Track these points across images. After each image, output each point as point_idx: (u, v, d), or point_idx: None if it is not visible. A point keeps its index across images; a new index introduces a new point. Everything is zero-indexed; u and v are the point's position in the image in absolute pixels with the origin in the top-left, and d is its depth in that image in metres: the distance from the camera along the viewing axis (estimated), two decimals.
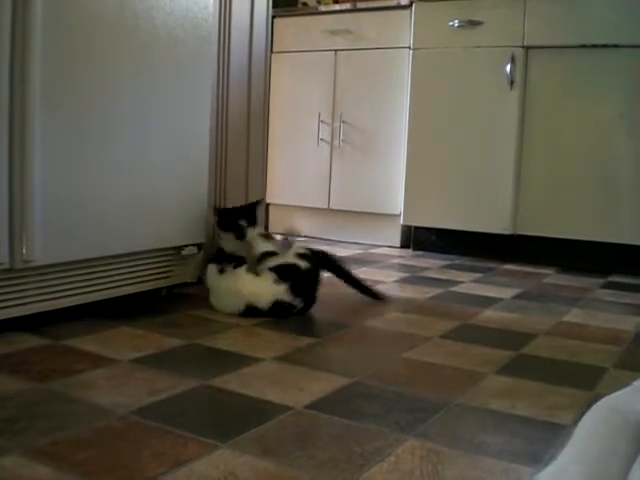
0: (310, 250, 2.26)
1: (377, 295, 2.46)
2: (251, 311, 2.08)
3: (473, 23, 3.42)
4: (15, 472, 1.05)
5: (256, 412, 1.36)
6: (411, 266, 3.23)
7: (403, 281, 2.84)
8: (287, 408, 1.38)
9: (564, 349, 1.92)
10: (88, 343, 1.75)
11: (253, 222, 2.30)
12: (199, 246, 2.34)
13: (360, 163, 3.84)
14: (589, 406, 1.10)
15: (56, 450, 1.14)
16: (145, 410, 1.33)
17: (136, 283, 2.15)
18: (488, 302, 2.48)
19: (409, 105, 3.63)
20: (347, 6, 3.88)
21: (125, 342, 1.78)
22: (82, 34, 1.84)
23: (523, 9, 3.30)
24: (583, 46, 3.19)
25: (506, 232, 3.42)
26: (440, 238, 3.69)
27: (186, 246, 2.29)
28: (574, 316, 2.32)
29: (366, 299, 2.44)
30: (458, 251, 3.64)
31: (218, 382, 1.51)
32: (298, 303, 2.12)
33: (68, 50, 1.81)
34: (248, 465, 1.12)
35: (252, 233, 2.27)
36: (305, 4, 4.40)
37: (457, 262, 3.40)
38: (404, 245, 3.82)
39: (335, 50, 3.88)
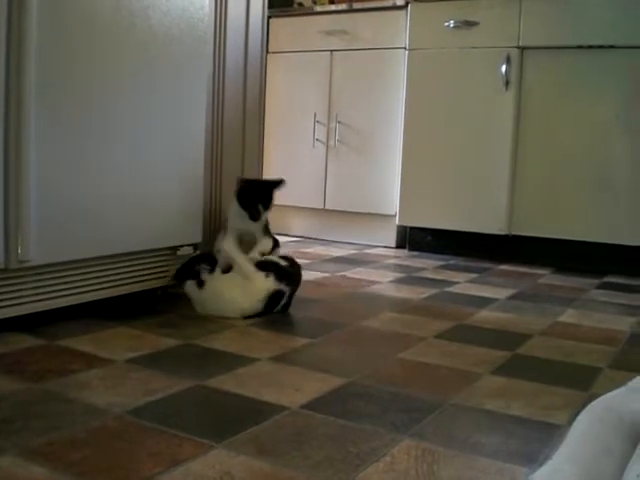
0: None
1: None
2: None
3: (469, 24, 3.42)
4: (10, 472, 1.05)
5: (252, 412, 1.36)
6: (406, 266, 3.23)
7: (398, 281, 2.84)
8: (283, 408, 1.38)
9: (559, 349, 1.92)
10: (84, 343, 1.75)
11: (268, 206, 2.29)
12: (195, 246, 2.34)
13: (356, 163, 3.85)
14: (584, 406, 1.10)
15: (51, 450, 1.14)
16: (141, 410, 1.33)
17: (132, 283, 2.15)
18: (483, 302, 2.48)
19: (405, 105, 3.63)
20: (343, 6, 3.88)
21: (121, 342, 1.78)
22: (78, 33, 1.84)
23: (519, 10, 3.30)
24: (579, 47, 3.20)
25: (501, 232, 3.42)
26: (435, 238, 3.70)
27: (182, 246, 2.29)
28: (569, 316, 2.33)
29: (363, 299, 2.44)
30: (453, 251, 3.64)
31: (214, 382, 1.51)
32: (284, 287, 2.14)
33: (64, 49, 1.81)
34: (244, 465, 1.12)
35: (265, 216, 2.28)
36: (301, 4, 4.40)
37: (452, 262, 3.41)
38: (399, 245, 3.83)
39: (331, 50, 3.88)
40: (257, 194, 2.27)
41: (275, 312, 2.15)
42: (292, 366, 1.66)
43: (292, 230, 4.07)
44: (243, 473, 1.09)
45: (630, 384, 1.17)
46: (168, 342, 1.81)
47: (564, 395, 1.54)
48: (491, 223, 3.44)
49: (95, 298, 2.02)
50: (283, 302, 2.16)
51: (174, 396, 1.42)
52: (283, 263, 2.22)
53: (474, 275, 3.06)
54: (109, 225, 1.99)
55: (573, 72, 3.24)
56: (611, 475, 0.90)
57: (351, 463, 1.15)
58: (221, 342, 1.84)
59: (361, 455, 1.18)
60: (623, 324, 2.25)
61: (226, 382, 1.52)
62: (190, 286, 2.11)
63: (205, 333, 1.91)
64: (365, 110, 3.81)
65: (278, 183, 2.31)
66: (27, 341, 1.74)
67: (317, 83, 3.93)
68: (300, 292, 2.28)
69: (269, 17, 3.75)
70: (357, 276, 2.89)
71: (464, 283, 2.86)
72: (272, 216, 2.47)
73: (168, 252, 2.26)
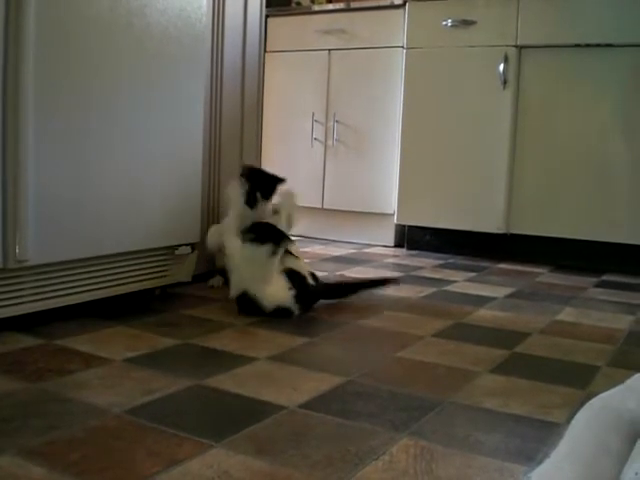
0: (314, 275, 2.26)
1: (387, 280, 2.54)
2: (251, 305, 2.09)
3: (466, 22, 3.42)
4: (9, 472, 1.05)
5: (250, 411, 1.36)
6: (405, 265, 3.23)
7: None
8: (281, 407, 1.38)
9: (557, 348, 1.92)
10: (82, 343, 1.75)
11: (268, 197, 2.30)
12: (192, 246, 2.34)
13: (354, 162, 3.85)
14: (582, 404, 1.10)
15: (50, 450, 1.14)
16: (139, 410, 1.33)
17: (130, 283, 2.15)
18: (482, 301, 2.49)
19: (402, 104, 3.63)
20: (341, 5, 3.88)
21: (119, 342, 1.78)
22: (75, 32, 1.84)
23: (516, 8, 3.30)
24: (577, 45, 3.20)
25: (500, 231, 3.43)
26: (434, 237, 3.70)
27: (180, 246, 2.29)
28: (567, 315, 2.33)
29: (361, 298, 2.44)
30: (452, 250, 3.64)
31: (212, 382, 1.51)
32: (296, 310, 2.13)
33: (61, 48, 1.80)
34: (242, 464, 1.12)
35: (262, 207, 2.28)
36: (299, 4, 4.40)
37: (451, 261, 3.41)
38: (398, 244, 3.83)
39: (329, 50, 3.88)
40: (258, 182, 2.28)
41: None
42: (290, 365, 1.66)
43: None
44: (242, 472, 1.09)
45: (628, 382, 1.17)
46: (166, 341, 1.81)
47: (562, 393, 1.54)
48: (489, 222, 3.44)
49: (93, 298, 2.02)
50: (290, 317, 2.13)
51: (173, 395, 1.42)
52: (311, 282, 2.20)
53: (472, 274, 3.06)
54: (107, 225, 1.99)
55: (571, 71, 3.24)
56: (609, 473, 0.90)
57: (350, 462, 1.15)
58: (219, 341, 1.84)
59: (360, 454, 1.18)
60: (621, 322, 2.25)
61: (225, 381, 1.52)
62: (248, 242, 2.10)
63: (203, 332, 1.91)
64: (363, 109, 3.81)
65: (281, 179, 2.34)
66: (25, 341, 1.74)
67: (315, 82, 3.93)
68: None
69: (267, 16, 3.75)
70: (356, 275, 2.89)
71: (462, 282, 2.86)
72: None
73: (166, 252, 2.26)
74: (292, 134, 4.02)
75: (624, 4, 3.10)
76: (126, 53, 2.00)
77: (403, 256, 3.52)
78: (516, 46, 3.32)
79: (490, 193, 3.43)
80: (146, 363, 1.62)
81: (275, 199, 2.35)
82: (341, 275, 2.84)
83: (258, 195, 2.27)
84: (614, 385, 1.16)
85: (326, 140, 3.91)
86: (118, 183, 2.01)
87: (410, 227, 3.75)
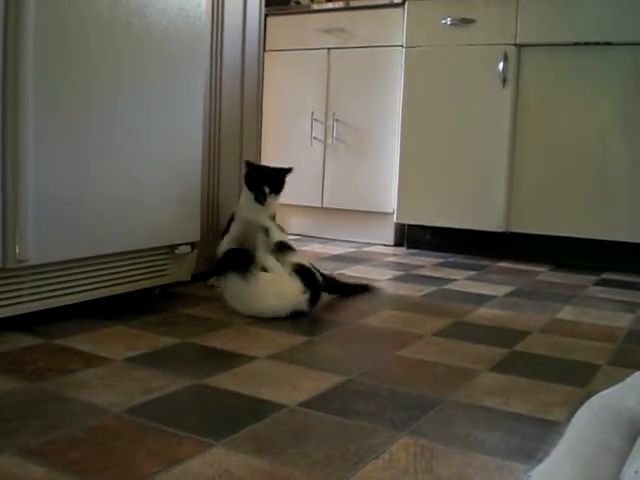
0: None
1: (364, 287, 2.51)
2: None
3: (466, 21, 3.42)
4: (9, 471, 1.05)
5: (250, 410, 1.36)
6: (405, 264, 3.23)
7: (397, 279, 2.84)
8: (281, 406, 1.38)
9: (557, 346, 1.92)
10: (82, 342, 1.75)
11: (277, 190, 2.30)
12: (192, 245, 2.34)
13: (353, 161, 3.85)
14: (582, 403, 1.10)
15: (50, 449, 1.14)
16: (139, 409, 1.33)
17: (130, 282, 2.15)
18: (482, 300, 2.48)
19: (402, 103, 3.63)
20: (340, 4, 3.88)
21: (119, 341, 1.78)
22: (75, 32, 1.84)
23: (516, 7, 3.30)
24: (576, 44, 3.20)
25: (499, 230, 3.43)
26: (434, 236, 3.70)
27: (180, 245, 2.29)
28: (567, 313, 2.33)
29: (361, 297, 2.44)
30: (452, 249, 3.64)
31: (212, 381, 1.51)
32: (307, 309, 2.13)
33: (61, 47, 1.80)
34: (243, 463, 1.12)
35: (273, 201, 2.29)
36: (298, 3, 4.39)
37: (451, 260, 3.41)
38: (398, 243, 3.83)
39: (328, 48, 3.88)
40: (264, 176, 2.29)
41: None
42: (291, 364, 1.66)
43: (290, 228, 4.07)
44: (242, 471, 1.09)
45: (628, 380, 1.17)
46: (166, 341, 1.81)
47: (563, 392, 1.54)
48: (489, 220, 3.44)
49: (93, 297, 2.02)
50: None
51: (172, 395, 1.42)
52: (319, 276, 2.22)
53: (472, 272, 3.06)
54: (107, 224, 1.99)
55: (570, 69, 3.24)
56: (610, 471, 0.90)
57: (350, 461, 1.15)
58: (219, 340, 1.84)
59: (360, 453, 1.18)
60: (621, 321, 2.25)
61: (225, 381, 1.52)
62: (234, 279, 2.07)
63: (203, 332, 1.91)
64: (362, 108, 3.81)
65: (287, 170, 2.35)
66: (25, 340, 1.74)
67: (314, 81, 3.93)
68: None
69: (266, 15, 3.75)
70: (355, 274, 2.89)
71: (462, 280, 2.86)
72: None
73: (166, 251, 2.26)
74: (292, 133, 4.02)
75: (623, 3, 3.10)
76: (126, 53, 1.99)
77: (403, 255, 3.52)
78: (515, 45, 3.32)
79: (490, 192, 3.43)
80: (146, 362, 1.62)
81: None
82: (339, 274, 2.84)
83: (266, 189, 2.27)
84: (614, 383, 1.16)
85: (325, 139, 3.91)
86: (118, 183, 2.01)
87: (410, 226, 3.75)
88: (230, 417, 1.32)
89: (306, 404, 1.40)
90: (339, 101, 3.87)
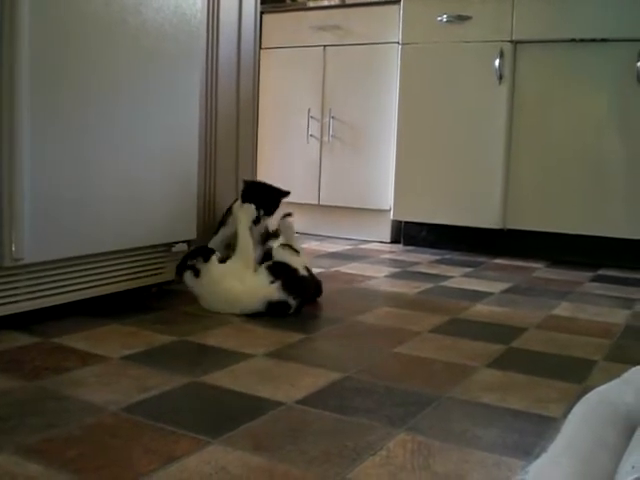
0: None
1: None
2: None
3: (462, 18, 3.42)
4: (6, 470, 1.05)
5: (247, 408, 1.36)
6: (401, 261, 3.23)
7: (393, 276, 2.84)
8: (278, 404, 1.38)
9: (554, 342, 1.92)
10: (78, 341, 1.75)
11: (270, 212, 2.29)
12: (189, 243, 2.34)
13: (350, 159, 3.84)
14: (579, 398, 1.11)
15: (47, 447, 1.14)
16: (136, 407, 1.33)
17: (126, 280, 2.14)
18: (478, 296, 2.49)
19: (398, 100, 3.63)
20: (336, 2, 3.87)
21: (115, 339, 1.78)
22: (71, 30, 1.83)
23: (511, 4, 3.30)
24: (572, 40, 3.20)
25: (496, 226, 3.43)
26: (430, 233, 3.70)
27: (176, 243, 2.29)
28: (564, 309, 2.33)
29: (358, 294, 2.45)
30: (448, 246, 3.64)
31: (209, 379, 1.51)
32: (290, 299, 2.09)
33: (56, 45, 1.80)
34: (240, 461, 1.12)
35: (264, 222, 2.29)
36: (294, 0, 4.39)
37: (447, 257, 3.41)
38: (394, 240, 3.83)
39: (324, 46, 3.88)
40: (259, 198, 2.28)
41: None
42: (288, 361, 1.66)
43: None
44: (239, 469, 1.09)
45: (625, 376, 1.17)
46: (163, 339, 1.81)
47: (559, 388, 1.55)
48: (486, 217, 3.44)
49: (89, 296, 2.02)
50: (290, 312, 2.10)
51: (169, 393, 1.42)
52: (302, 272, 2.18)
53: (469, 269, 3.07)
54: (103, 222, 1.99)
55: (566, 65, 3.24)
56: (606, 467, 0.90)
57: (347, 457, 1.15)
58: (216, 338, 1.84)
59: (357, 449, 1.18)
60: (618, 317, 2.26)
61: (221, 378, 1.52)
62: (188, 277, 2.09)
63: (200, 329, 1.91)
64: (359, 105, 3.81)
65: (285, 193, 2.33)
66: (22, 339, 1.74)
67: (310, 79, 3.93)
68: None
69: (262, 13, 3.74)
70: (352, 271, 2.89)
71: (459, 277, 2.86)
72: None
73: (163, 249, 2.26)
74: (288, 131, 4.02)
75: None
76: (122, 50, 1.99)
77: (399, 252, 3.52)
78: (511, 41, 3.32)
79: (486, 188, 3.43)
80: (142, 360, 1.62)
81: (275, 222, 2.35)
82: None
83: (261, 212, 2.27)
84: (611, 379, 1.16)
85: (322, 136, 3.91)
86: (115, 180, 2.01)
87: (406, 223, 3.75)
88: (227, 415, 1.32)
89: (303, 401, 1.40)
90: (335, 98, 3.87)
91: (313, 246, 3.57)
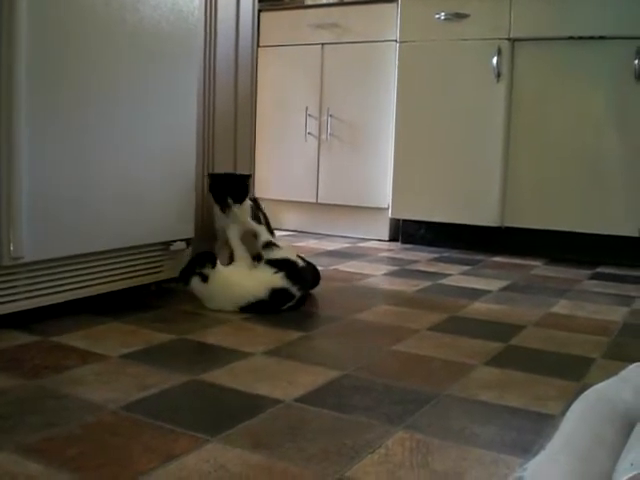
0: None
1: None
2: (252, 306, 2.09)
3: (459, 16, 3.42)
4: (6, 469, 1.05)
5: (246, 406, 1.36)
6: (400, 259, 3.23)
7: (392, 274, 2.84)
8: (277, 402, 1.38)
9: (552, 340, 1.93)
10: (78, 339, 1.75)
11: (240, 199, 2.32)
12: (187, 241, 2.34)
13: (348, 157, 3.84)
14: (577, 396, 1.11)
15: (47, 446, 1.14)
16: (135, 405, 1.33)
17: (125, 279, 2.14)
18: (477, 294, 2.49)
19: (396, 98, 3.63)
20: None
21: (115, 338, 1.78)
22: (69, 28, 1.83)
23: (509, 1, 3.30)
24: (570, 38, 3.20)
25: (494, 224, 3.43)
26: (428, 231, 3.70)
27: (175, 241, 2.29)
28: (562, 307, 2.34)
29: (356, 292, 2.45)
30: (446, 244, 3.64)
31: (208, 377, 1.51)
32: (293, 288, 2.12)
33: (54, 43, 1.80)
34: (239, 458, 1.12)
35: (238, 210, 2.31)
36: None
37: (446, 255, 3.41)
38: (393, 238, 3.83)
39: (322, 44, 3.87)
40: (225, 187, 2.32)
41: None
42: (286, 360, 1.66)
43: (285, 224, 4.07)
44: (238, 467, 1.09)
45: (623, 374, 1.17)
46: (162, 337, 1.81)
47: (558, 385, 1.55)
48: (484, 215, 3.44)
49: (89, 294, 2.02)
50: (291, 304, 2.13)
51: (169, 391, 1.42)
52: (301, 263, 2.24)
53: (467, 267, 3.07)
54: (102, 221, 1.99)
55: (564, 63, 3.24)
56: (605, 464, 0.90)
57: (346, 455, 1.15)
58: (215, 336, 1.84)
59: (356, 447, 1.18)
60: (616, 314, 2.26)
61: (220, 376, 1.52)
62: (196, 282, 2.09)
63: (199, 328, 1.91)
64: (356, 103, 3.81)
65: (246, 177, 2.39)
66: (21, 338, 1.74)
67: (308, 77, 3.93)
68: None
69: (259, 11, 3.74)
70: (350, 269, 2.90)
71: (457, 275, 2.86)
72: (265, 210, 2.49)
73: (161, 247, 2.26)
74: (286, 129, 4.01)
75: None
76: (120, 48, 1.99)
77: (398, 250, 3.53)
78: (509, 39, 3.32)
79: (484, 186, 3.43)
80: (142, 359, 1.62)
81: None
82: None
83: (230, 200, 2.29)
84: (609, 377, 1.17)
85: (320, 134, 3.91)
86: (113, 179, 2.01)
87: (405, 221, 3.75)
88: (226, 413, 1.33)
89: (302, 399, 1.41)
90: (333, 96, 3.87)
91: (311, 244, 3.57)
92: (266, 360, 1.66)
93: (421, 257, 3.31)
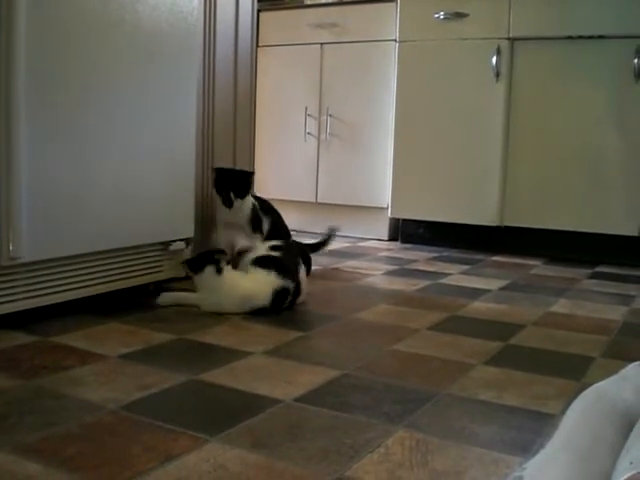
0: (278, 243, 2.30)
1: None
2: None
3: (459, 15, 3.42)
4: (5, 468, 1.05)
5: (246, 406, 1.36)
6: (399, 258, 3.23)
7: (391, 273, 2.84)
8: (277, 401, 1.38)
9: (552, 339, 1.93)
10: (77, 339, 1.75)
11: (242, 194, 2.43)
12: (187, 241, 2.34)
13: (347, 156, 3.84)
14: (577, 395, 1.11)
15: (46, 446, 1.14)
16: (135, 405, 1.33)
17: (124, 279, 2.14)
18: (476, 294, 2.49)
19: (395, 98, 3.63)
20: None
21: (114, 338, 1.78)
22: (68, 28, 1.83)
23: (508, 1, 3.30)
24: (569, 37, 3.20)
25: (494, 224, 3.43)
26: (428, 230, 3.70)
27: (174, 241, 2.28)
28: (562, 306, 2.34)
29: (356, 291, 2.45)
30: (446, 243, 3.64)
31: (207, 376, 1.51)
32: (288, 283, 2.11)
33: (53, 44, 1.79)
34: (238, 458, 1.12)
35: (239, 204, 2.43)
36: None
37: (445, 254, 3.41)
38: (392, 238, 3.83)
39: (321, 43, 3.87)
40: (229, 181, 2.42)
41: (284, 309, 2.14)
42: (286, 359, 1.66)
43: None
44: (238, 466, 1.09)
45: (623, 372, 1.17)
46: (161, 337, 1.81)
47: (557, 384, 1.55)
48: (483, 215, 3.44)
49: (88, 294, 2.02)
50: (290, 298, 2.13)
51: (168, 391, 1.42)
52: (275, 253, 2.19)
53: (467, 266, 3.07)
54: (101, 221, 1.99)
55: (564, 62, 3.24)
56: (604, 463, 0.90)
57: (345, 454, 1.15)
58: (215, 336, 1.84)
59: (355, 446, 1.18)
60: (615, 313, 2.26)
61: (220, 376, 1.52)
62: (210, 271, 2.07)
63: (198, 327, 1.91)
64: (356, 103, 3.81)
65: (250, 174, 2.51)
66: (20, 338, 1.74)
67: (308, 77, 3.93)
68: None
69: (259, 11, 3.74)
70: (350, 269, 2.89)
71: (457, 275, 2.86)
72: None
73: (160, 247, 2.26)
74: (285, 129, 4.01)
75: None
76: (119, 48, 1.98)
77: (397, 249, 3.53)
78: (509, 38, 3.32)
79: (484, 186, 3.43)
80: (141, 359, 1.62)
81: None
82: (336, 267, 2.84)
83: (232, 195, 2.39)
84: (609, 376, 1.16)
85: (319, 134, 3.91)
86: (112, 179, 2.01)
87: (404, 220, 3.75)
88: (226, 412, 1.32)
89: (301, 399, 1.40)
90: (333, 96, 3.87)
91: None
92: (266, 360, 1.65)
93: (420, 256, 3.31)
